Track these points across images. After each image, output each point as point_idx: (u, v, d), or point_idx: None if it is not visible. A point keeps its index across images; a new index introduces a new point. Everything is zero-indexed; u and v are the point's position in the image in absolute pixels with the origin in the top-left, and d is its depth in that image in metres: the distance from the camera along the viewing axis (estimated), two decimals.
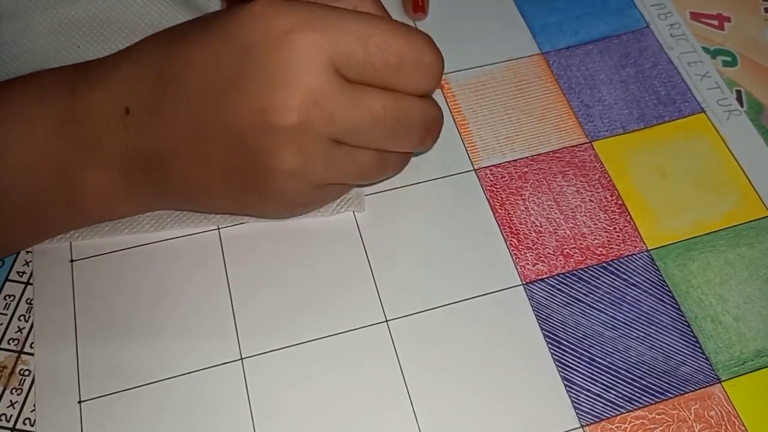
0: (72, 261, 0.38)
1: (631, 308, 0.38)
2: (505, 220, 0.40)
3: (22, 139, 0.33)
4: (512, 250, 0.39)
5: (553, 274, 0.38)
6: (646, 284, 0.38)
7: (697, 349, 0.37)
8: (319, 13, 0.30)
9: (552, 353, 0.36)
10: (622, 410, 0.35)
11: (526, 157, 0.42)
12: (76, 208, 0.35)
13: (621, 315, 0.37)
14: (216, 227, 0.39)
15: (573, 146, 0.43)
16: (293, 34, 0.29)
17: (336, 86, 0.30)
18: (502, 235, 0.40)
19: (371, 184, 0.40)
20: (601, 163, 0.42)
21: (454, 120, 0.43)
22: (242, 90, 0.30)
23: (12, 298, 0.37)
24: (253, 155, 0.31)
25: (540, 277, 0.38)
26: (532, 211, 0.40)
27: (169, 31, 0.33)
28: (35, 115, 0.33)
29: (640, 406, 0.35)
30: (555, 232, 0.40)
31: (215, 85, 0.30)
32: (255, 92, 0.30)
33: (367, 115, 0.31)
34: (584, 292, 0.38)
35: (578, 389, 0.35)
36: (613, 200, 0.41)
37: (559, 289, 0.38)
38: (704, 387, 0.36)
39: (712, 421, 0.35)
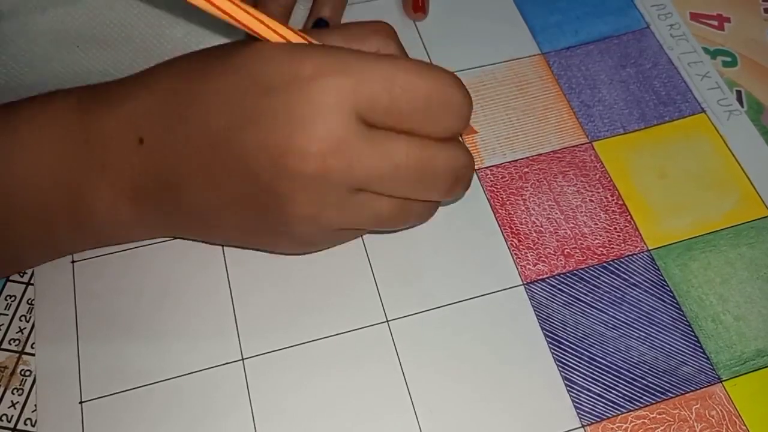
0: (73, 261, 0.38)
1: (632, 308, 0.38)
2: (505, 220, 0.40)
3: (32, 160, 0.32)
4: (513, 250, 0.39)
5: (554, 274, 0.38)
6: (646, 284, 0.38)
7: (697, 348, 0.37)
8: (344, 58, 0.29)
9: (553, 353, 0.36)
10: (622, 410, 0.35)
11: (526, 157, 0.42)
12: (85, 232, 0.34)
13: (622, 315, 0.37)
14: None
15: (573, 146, 0.43)
16: (317, 79, 0.28)
17: (356, 133, 0.29)
18: (503, 235, 0.40)
19: (392, 232, 0.39)
20: (602, 163, 0.42)
21: None
22: (261, 129, 0.29)
23: (13, 298, 0.37)
24: (267, 195, 0.30)
25: (541, 277, 0.38)
26: (532, 211, 0.40)
27: (188, 60, 0.32)
28: (47, 137, 0.32)
29: (641, 405, 0.35)
30: (555, 232, 0.40)
31: (233, 121, 0.29)
32: (273, 133, 0.29)
33: (388, 163, 0.29)
34: (585, 291, 0.38)
35: (579, 389, 0.35)
36: (613, 200, 0.41)
37: (559, 289, 0.38)
38: (705, 387, 0.36)
39: (713, 420, 0.35)
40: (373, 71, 0.29)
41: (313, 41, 0.31)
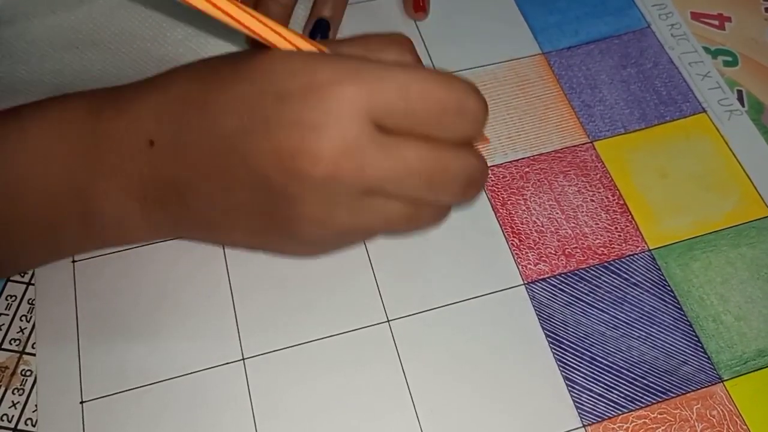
0: (74, 261, 0.38)
1: (633, 308, 0.38)
2: (506, 220, 0.40)
3: (41, 160, 0.32)
4: (514, 250, 0.39)
5: (555, 273, 0.38)
6: (647, 284, 0.38)
7: (698, 348, 0.37)
8: (359, 66, 0.29)
9: (554, 353, 0.36)
10: (623, 410, 0.35)
11: (527, 157, 0.42)
12: (92, 232, 0.34)
13: (623, 315, 0.37)
14: None
15: (574, 146, 0.43)
16: (332, 86, 0.28)
17: (369, 137, 0.29)
18: (504, 234, 0.40)
19: (402, 235, 0.39)
20: (603, 163, 0.42)
21: None
22: (272, 132, 0.29)
23: (14, 298, 0.37)
24: (277, 198, 0.30)
25: (541, 276, 0.38)
26: (533, 211, 0.40)
27: (201, 66, 0.32)
28: (57, 137, 0.32)
29: (642, 405, 0.35)
30: (556, 232, 0.40)
31: (245, 125, 0.30)
32: (285, 136, 0.29)
33: (401, 166, 0.29)
34: (586, 291, 0.38)
35: (580, 389, 0.35)
36: (614, 200, 0.41)
37: (560, 289, 0.38)
38: (706, 386, 0.36)
39: (714, 420, 0.35)
40: (389, 78, 0.29)
41: (326, 50, 0.31)
